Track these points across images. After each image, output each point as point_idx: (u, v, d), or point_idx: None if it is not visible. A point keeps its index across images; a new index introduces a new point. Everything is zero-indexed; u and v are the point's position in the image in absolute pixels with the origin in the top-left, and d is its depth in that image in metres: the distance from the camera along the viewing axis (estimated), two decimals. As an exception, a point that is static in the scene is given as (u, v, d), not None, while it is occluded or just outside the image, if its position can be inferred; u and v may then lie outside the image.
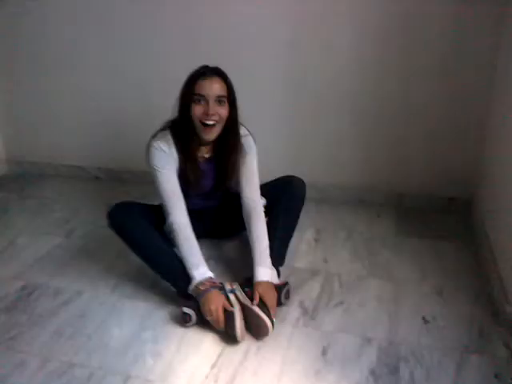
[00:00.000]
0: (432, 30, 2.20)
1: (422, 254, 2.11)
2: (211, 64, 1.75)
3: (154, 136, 1.79)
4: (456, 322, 1.67)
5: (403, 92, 2.34)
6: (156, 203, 1.90)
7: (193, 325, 1.66)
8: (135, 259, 2.04)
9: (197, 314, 1.65)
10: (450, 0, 2.13)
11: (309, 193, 2.59)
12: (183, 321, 1.66)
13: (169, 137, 1.78)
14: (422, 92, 2.32)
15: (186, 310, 1.64)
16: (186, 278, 1.70)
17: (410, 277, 1.95)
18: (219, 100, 1.70)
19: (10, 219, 2.52)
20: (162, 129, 1.81)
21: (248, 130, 1.92)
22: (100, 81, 2.75)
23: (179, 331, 1.66)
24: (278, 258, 1.83)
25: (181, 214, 1.77)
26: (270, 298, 1.66)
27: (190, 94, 1.70)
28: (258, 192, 1.91)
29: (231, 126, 1.79)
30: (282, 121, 2.56)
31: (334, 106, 2.46)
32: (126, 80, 2.69)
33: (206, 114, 1.68)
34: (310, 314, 1.73)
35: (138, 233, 1.77)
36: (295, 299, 1.81)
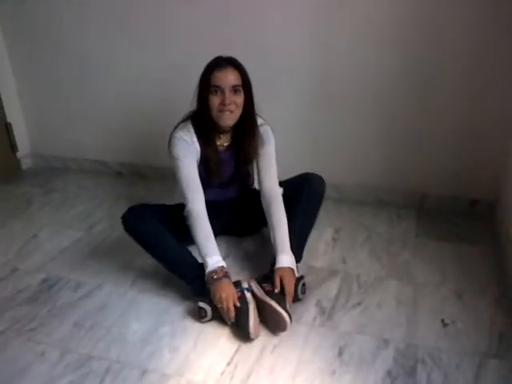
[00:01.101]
0: (456, 29, 2.16)
1: (443, 256, 2.08)
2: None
3: (176, 127, 1.85)
4: (476, 326, 1.65)
5: (426, 90, 2.30)
6: (172, 203, 1.95)
7: (208, 320, 1.68)
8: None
9: (212, 310, 1.66)
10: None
11: (328, 192, 2.57)
12: (199, 316, 1.68)
13: (190, 126, 1.83)
14: (445, 90, 2.28)
15: (202, 304, 1.66)
16: (201, 277, 1.72)
17: (430, 279, 1.92)
18: (235, 89, 1.75)
19: (34, 213, 2.57)
20: (184, 120, 1.87)
21: (264, 120, 1.95)
22: (123, 77, 2.77)
23: (196, 327, 1.67)
24: (295, 254, 1.82)
25: (199, 202, 1.81)
26: (290, 283, 1.70)
27: (206, 85, 1.75)
28: (276, 182, 1.94)
29: (248, 112, 1.83)
30: (300, 119, 2.55)
31: (353, 104, 2.44)
32: (148, 76, 2.70)
33: (223, 104, 1.73)
34: (327, 314, 1.72)
35: (152, 236, 1.79)
36: (312, 298, 1.81)
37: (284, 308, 1.61)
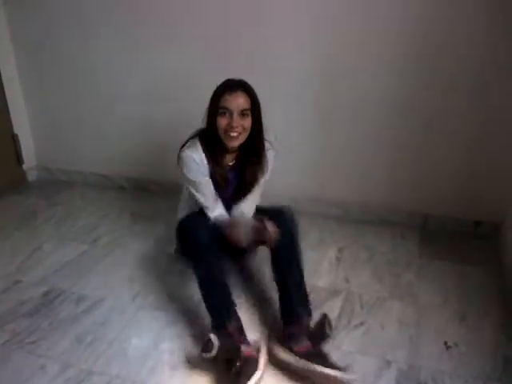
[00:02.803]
0: (470, 45, 2.18)
1: (446, 277, 2.07)
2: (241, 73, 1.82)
3: (184, 145, 1.85)
4: (479, 350, 1.64)
5: (431, 110, 2.32)
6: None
7: (210, 357, 1.49)
8: (156, 270, 2.06)
9: (218, 350, 1.49)
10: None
11: (331, 210, 2.62)
12: (204, 348, 1.51)
13: (198, 144, 1.83)
14: (450, 110, 2.29)
15: (213, 338, 1.50)
16: (228, 315, 1.62)
17: (433, 300, 1.92)
18: (243, 113, 1.76)
19: (38, 225, 2.57)
20: (192, 137, 1.88)
21: (271, 145, 1.94)
22: (130, 92, 2.80)
23: (198, 343, 1.66)
24: (305, 305, 1.71)
25: (221, 208, 1.87)
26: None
27: (216, 106, 1.76)
28: (252, 210, 1.93)
29: (256, 134, 1.84)
30: (303, 137, 2.56)
31: (357, 123, 2.45)
32: (155, 92, 2.73)
33: (231, 126, 1.75)
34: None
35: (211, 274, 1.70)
36: (315, 317, 1.79)
37: (331, 366, 1.45)
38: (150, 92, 2.75)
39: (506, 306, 1.87)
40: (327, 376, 1.43)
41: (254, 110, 1.79)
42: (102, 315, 1.82)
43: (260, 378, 1.46)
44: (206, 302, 1.68)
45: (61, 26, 2.78)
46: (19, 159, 3.09)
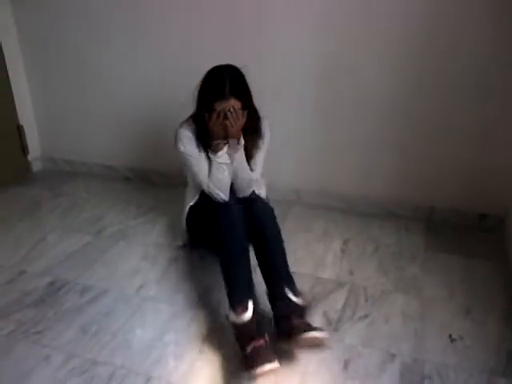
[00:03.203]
0: (473, 42, 2.16)
1: (451, 271, 2.07)
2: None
3: (181, 125, 1.99)
4: (484, 343, 1.63)
5: (437, 102, 2.30)
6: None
7: (245, 319, 1.54)
8: (161, 261, 2.07)
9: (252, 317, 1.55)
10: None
11: (336, 203, 2.61)
12: (241, 310, 1.56)
13: (191, 122, 1.98)
14: (456, 104, 2.27)
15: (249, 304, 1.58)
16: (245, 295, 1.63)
17: (438, 294, 1.91)
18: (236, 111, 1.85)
19: (43, 216, 2.58)
20: (187, 119, 2.01)
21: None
22: (135, 83, 2.79)
23: (201, 335, 1.67)
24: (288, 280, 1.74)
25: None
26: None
27: (208, 108, 1.86)
28: (258, 171, 2.05)
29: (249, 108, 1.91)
30: (308, 130, 2.55)
31: (363, 117, 2.44)
32: (159, 82, 2.72)
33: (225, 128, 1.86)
34: (333, 326, 1.71)
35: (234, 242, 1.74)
36: (319, 309, 1.80)
37: (314, 329, 1.53)
38: (154, 83, 2.73)
39: (511, 299, 1.86)
40: (313, 339, 1.50)
41: (245, 97, 1.87)
42: (107, 306, 1.83)
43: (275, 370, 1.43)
44: (230, 275, 1.69)
45: (66, 19, 2.77)
46: (24, 150, 3.09)
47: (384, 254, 2.20)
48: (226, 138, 1.90)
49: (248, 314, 1.56)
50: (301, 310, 1.64)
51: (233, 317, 1.57)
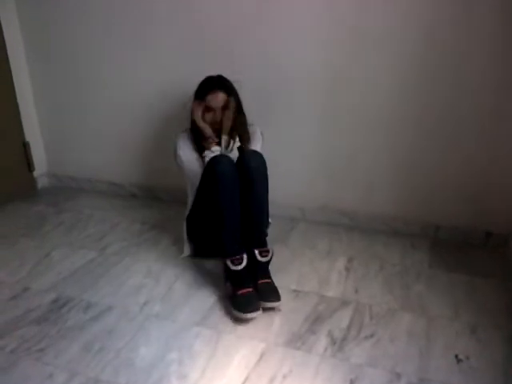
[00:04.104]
0: (474, 59, 2.17)
1: (456, 289, 2.05)
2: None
3: (178, 135, 2.24)
4: (491, 364, 1.61)
5: (442, 120, 2.30)
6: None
7: (239, 269, 1.90)
8: (165, 279, 2.07)
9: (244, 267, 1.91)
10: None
11: (341, 219, 2.61)
12: (236, 261, 1.90)
13: (189, 133, 2.25)
14: (461, 122, 2.28)
15: (243, 256, 1.93)
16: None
17: (443, 312, 1.89)
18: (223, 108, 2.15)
19: (47, 232, 2.58)
20: (183, 130, 2.27)
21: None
22: (140, 101, 2.81)
23: (205, 354, 1.65)
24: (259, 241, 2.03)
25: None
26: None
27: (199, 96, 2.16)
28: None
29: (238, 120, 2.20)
30: (314, 145, 2.56)
31: (367, 132, 2.45)
32: (164, 100, 2.74)
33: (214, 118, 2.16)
34: (338, 345, 1.70)
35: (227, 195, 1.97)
36: (324, 328, 1.78)
37: (270, 300, 1.88)
38: (160, 99, 2.76)
39: (518, 319, 1.84)
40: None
41: (234, 95, 2.16)
42: (111, 323, 1.82)
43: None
44: (224, 227, 1.96)
45: (74, 36, 2.81)
46: (30, 166, 3.11)
47: (389, 272, 2.19)
48: (215, 130, 2.15)
49: (243, 265, 1.90)
50: (264, 267, 1.97)
51: (229, 263, 1.90)
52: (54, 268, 2.21)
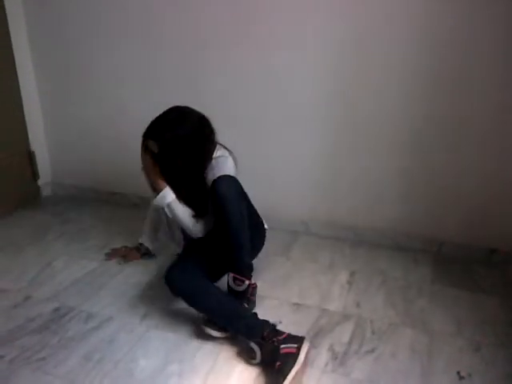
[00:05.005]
0: (483, 68, 2.17)
1: (459, 305, 2.04)
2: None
3: None
4: (494, 382, 1.59)
5: (449, 136, 2.30)
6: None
7: (257, 363, 1.63)
8: (166, 290, 2.05)
9: (262, 354, 1.62)
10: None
11: (344, 233, 2.60)
12: (249, 356, 1.65)
13: None
14: (468, 137, 2.27)
15: (253, 345, 1.63)
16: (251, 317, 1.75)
17: (446, 329, 1.88)
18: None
19: (50, 241, 2.59)
20: None
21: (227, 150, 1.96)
22: (146, 114, 2.82)
23: (205, 366, 1.65)
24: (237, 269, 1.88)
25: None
26: None
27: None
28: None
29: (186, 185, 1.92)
30: (318, 160, 2.56)
31: (372, 147, 2.45)
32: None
33: None
34: (339, 359, 1.69)
35: (199, 294, 1.79)
36: (325, 342, 1.77)
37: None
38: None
39: (522, 337, 1.82)
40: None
41: (167, 141, 1.83)
42: (111, 334, 1.81)
43: (300, 373, 1.54)
44: (232, 327, 1.75)
45: (81, 50, 2.85)
46: (34, 175, 3.13)
47: (391, 287, 2.17)
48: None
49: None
50: (241, 295, 1.86)
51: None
52: (56, 277, 2.21)
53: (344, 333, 1.84)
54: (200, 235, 1.95)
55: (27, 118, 3.01)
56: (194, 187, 1.90)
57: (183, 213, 1.91)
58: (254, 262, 1.96)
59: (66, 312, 1.94)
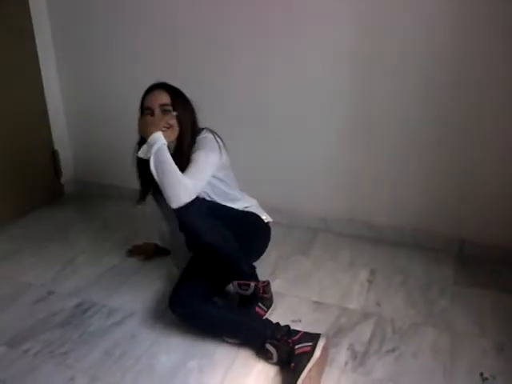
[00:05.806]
0: (498, 63, 2.13)
1: (482, 305, 2.00)
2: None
3: None
4: (518, 383, 1.56)
5: (470, 132, 2.26)
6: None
7: (275, 363, 1.63)
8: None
9: (278, 354, 1.62)
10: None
11: (364, 231, 2.58)
12: (266, 356, 1.65)
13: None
14: (491, 134, 2.23)
15: (269, 346, 1.63)
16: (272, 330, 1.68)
17: (468, 329, 1.85)
18: (164, 110, 1.84)
19: (73, 237, 2.63)
20: None
21: (213, 133, 1.92)
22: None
23: (225, 363, 1.65)
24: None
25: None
26: None
27: (141, 109, 1.93)
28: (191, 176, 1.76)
29: (185, 131, 1.87)
30: (338, 157, 2.54)
31: (392, 144, 2.42)
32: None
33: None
34: (359, 359, 1.67)
35: (211, 321, 1.74)
36: (345, 341, 1.76)
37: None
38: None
39: (547, 338, 1.79)
40: None
41: (176, 105, 1.84)
42: (132, 329, 1.83)
43: (317, 369, 1.54)
44: (239, 337, 1.73)
45: (104, 48, 2.88)
46: (58, 173, 3.17)
47: (412, 286, 2.15)
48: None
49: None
50: (251, 297, 1.88)
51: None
52: (79, 273, 2.24)
53: (364, 332, 1.82)
54: (188, 199, 1.71)
55: (51, 119, 3.06)
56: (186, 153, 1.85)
57: (172, 163, 1.74)
58: (269, 259, 1.94)
59: (88, 307, 1.97)
